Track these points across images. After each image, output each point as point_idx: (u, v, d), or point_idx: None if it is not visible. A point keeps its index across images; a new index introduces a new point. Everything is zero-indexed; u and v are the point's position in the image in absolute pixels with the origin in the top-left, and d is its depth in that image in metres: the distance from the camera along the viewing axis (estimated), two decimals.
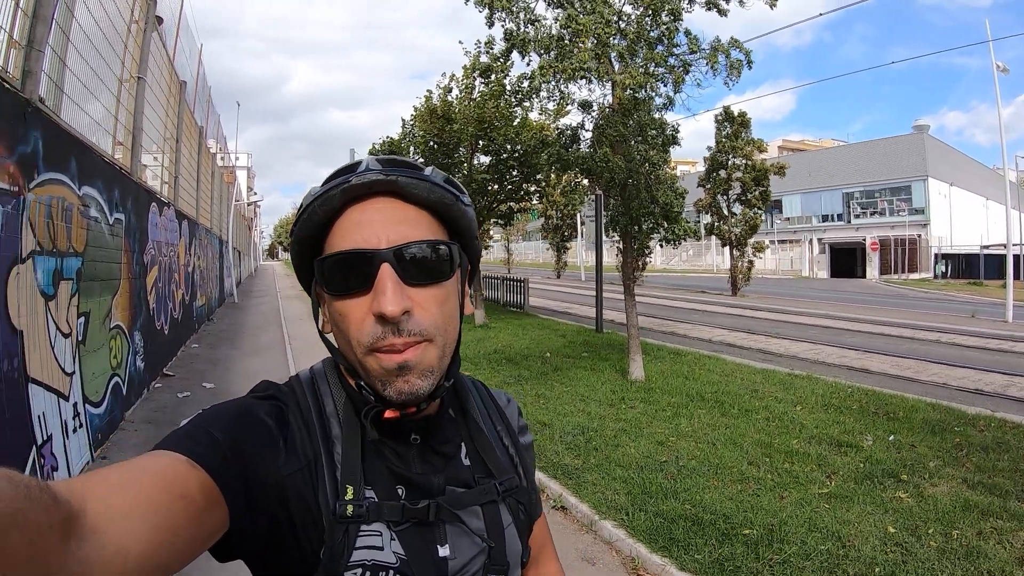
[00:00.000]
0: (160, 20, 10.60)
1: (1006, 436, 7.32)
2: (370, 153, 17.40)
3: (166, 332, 11.79)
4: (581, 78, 9.09)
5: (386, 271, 0.91)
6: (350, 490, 0.92)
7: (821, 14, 18.16)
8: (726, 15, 9.56)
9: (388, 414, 0.97)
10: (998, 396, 9.94)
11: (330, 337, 1.02)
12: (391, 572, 0.91)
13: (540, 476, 6.35)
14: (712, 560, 4.55)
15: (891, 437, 7.29)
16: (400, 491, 0.97)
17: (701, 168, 32.28)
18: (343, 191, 0.95)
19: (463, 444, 1.09)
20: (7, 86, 4.80)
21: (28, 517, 0.53)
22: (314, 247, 0.99)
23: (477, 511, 1.02)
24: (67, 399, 6.09)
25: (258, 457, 0.88)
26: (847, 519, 5.15)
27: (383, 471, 0.97)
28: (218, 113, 26.05)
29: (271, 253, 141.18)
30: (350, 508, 0.91)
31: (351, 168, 0.98)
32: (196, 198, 16.91)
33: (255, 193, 58.64)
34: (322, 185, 0.98)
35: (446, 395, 1.07)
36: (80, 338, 6.62)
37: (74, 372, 6.36)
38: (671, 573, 4.50)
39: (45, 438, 5.39)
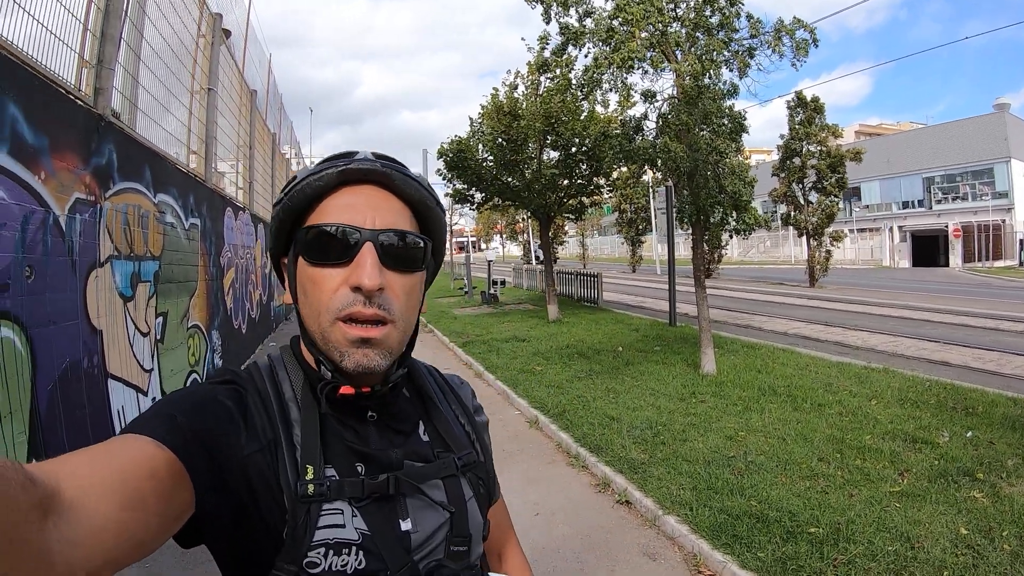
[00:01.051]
0: (228, 33, 10.90)
1: None
2: (439, 153, 17.61)
3: (244, 331, 12.15)
4: (631, 67, 9.03)
5: (368, 249, 0.98)
6: (310, 470, 0.95)
7: None
8: None
9: (343, 390, 1.02)
10: None
11: (299, 307, 1.07)
12: (354, 548, 0.95)
13: (606, 470, 6.37)
14: (775, 559, 4.47)
15: (968, 433, 6.99)
16: (359, 468, 1.00)
17: (775, 157, 31.57)
18: (340, 172, 1.02)
19: (421, 422, 1.14)
20: (80, 103, 5.03)
21: (7, 496, 0.55)
22: (296, 219, 1.06)
23: (439, 483, 1.06)
24: (146, 394, 6.36)
25: (220, 438, 0.91)
26: (918, 519, 4.97)
27: (342, 449, 1.01)
28: (291, 119, 26.70)
29: None
30: (311, 487, 0.94)
31: (348, 155, 1.04)
32: (272, 202, 17.32)
33: None
34: (317, 165, 1.05)
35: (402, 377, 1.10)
36: (158, 337, 6.91)
37: (152, 369, 6.63)
38: (732, 571, 4.44)
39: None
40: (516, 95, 16.75)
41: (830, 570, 4.30)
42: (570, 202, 18.93)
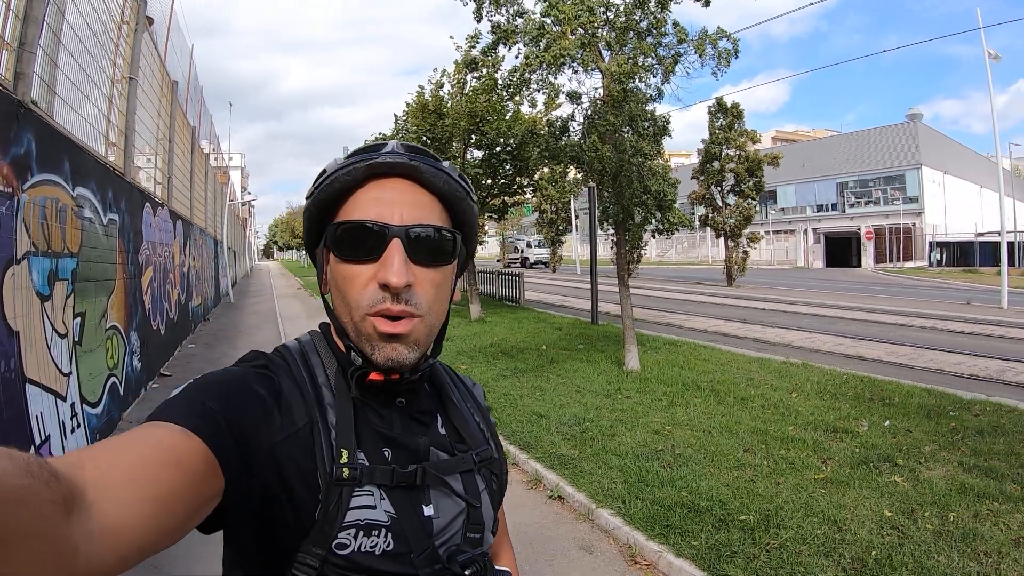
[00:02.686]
0: (151, 20, 10.58)
1: (1001, 420, 7.36)
2: None
3: (162, 332, 11.79)
4: (562, 64, 9.11)
5: (396, 245, 0.99)
6: (345, 454, 0.96)
7: (812, 3, 18.13)
8: (709, 4, 9.56)
9: (373, 376, 1.04)
10: (993, 381, 9.99)
11: (328, 298, 1.10)
12: (383, 530, 0.96)
13: (537, 467, 6.42)
14: (709, 546, 4.60)
15: (886, 423, 7.34)
16: (387, 453, 1.02)
17: (695, 160, 32.33)
18: (368, 166, 1.02)
19: (438, 415, 1.15)
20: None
21: (32, 492, 0.54)
22: (326, 213, 1.06)
23: (457, 477, 1.08)
24: (64, 399, 6.10)
25: (252, 425, 0.91)
26: (843, 503, 5.20)
27: (371, 434, 1.02)
28: (211, 113, 26.06)
29: (266, 253, 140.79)
30: (346, 471, 0.95)
31: (376, 147, 1.05)
32: (190, 198, 16.89)
33: (249, 193, 58.51)
34: (346, 158, 1.05)
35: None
36: (76, 339, 6.62)
37: (71, 373, 6.36)
38: (668, 560, 4.54)
39: (43, 438, 5.40)
40: (442, 94, 16.70)
41: (763, 554, 4.44)
42: (493, 202, 18.97)
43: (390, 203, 1.02)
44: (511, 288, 23.39)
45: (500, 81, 15.05)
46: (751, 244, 31.00)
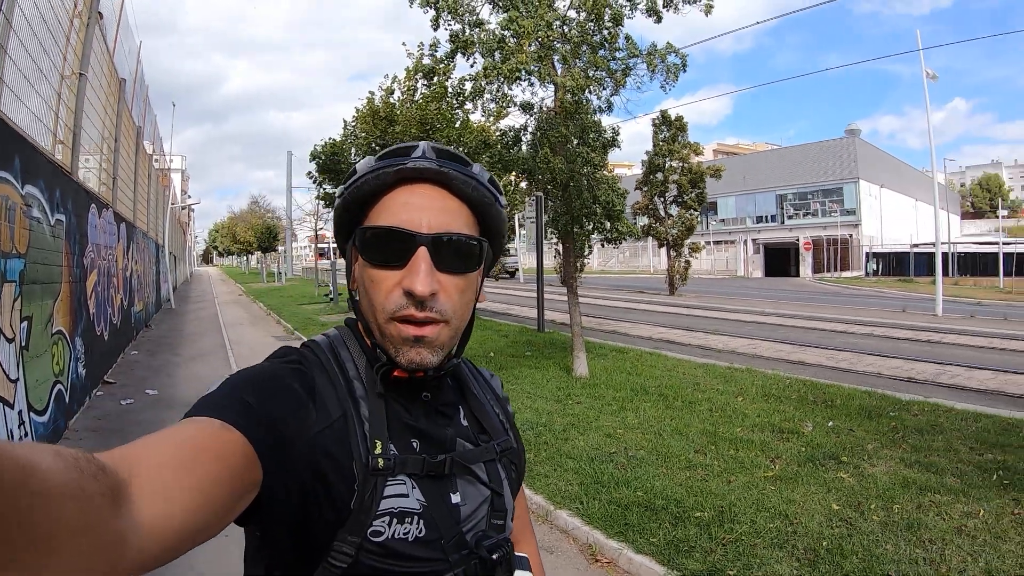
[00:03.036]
0: (100, 15, 10.36)
1: (939, 419, 7.71)
2: (311, 156, 17.33)
3: (106, 338, 11.50)
4: (519, 78, 9.22)
5: (422, 254, 1.01)
6: (379, 444, 1.00)
7: (758, 22, 18.64)
8: (661, 21, 9.78)
9: (396, 373, 1.07)
10: (930, 383, 10.41)
11: (355, 295, 1.13)
12: (416, 518, 1.00)
13: None
14: (667, 542, 4.73)
15: (830, 423, 7.61)
16: (415, 444, 1.06)
17: (638, 171, 32.80)
18: (397, 171, 1.04)
19: (460, 407, 1.19)
20: None
21: (80, 487, 0.55)
22: (356, 213, 1.09)
23: (481, 466, 1.13)
24: (12, 407, 5.94)
25: (288, 419, 0.94)
26: (793, 499, 5.39)
27: (399, 426, 1.06)
28: (155, 113, 25.52)
29: (206, 258, 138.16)
30: (381, 461, 0.99)
31: (407, 151, 1.06)
32: (134, 201, 16.55)
33: (190, 196, 57.37)
34: (377, 159, 1.07)
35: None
36: (24, 344, 6.44)
37: (18, 379, 6.18)
38: (628, 556, 4.65)
39: None
40: (392, 100, 16.68)
41: (719, 548, 4.60)
42: None
43: (418, 209, 1.04)
44: None
45: (451, 89, 15.12)
46: (693, 254, 31.50)
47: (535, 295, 16.92)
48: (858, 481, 5.79)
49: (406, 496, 1.00)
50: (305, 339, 1.15)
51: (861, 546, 4.54)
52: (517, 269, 50.86)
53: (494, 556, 1.06)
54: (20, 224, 6.30)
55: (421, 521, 1.00)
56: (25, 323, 6.51)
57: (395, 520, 0.98)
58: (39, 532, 0.50)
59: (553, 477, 6.10)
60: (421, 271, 1.00)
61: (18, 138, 6.25)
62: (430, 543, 1.01)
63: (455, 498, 1.07)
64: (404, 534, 0.99)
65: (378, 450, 0.99)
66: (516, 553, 1.20)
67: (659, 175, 29.95)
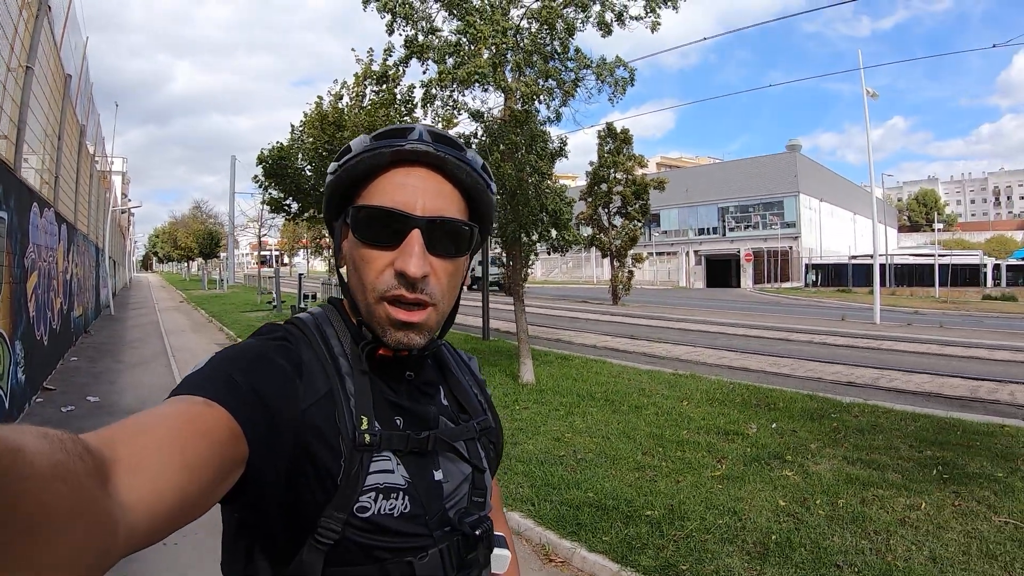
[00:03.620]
0: (49, 7, 10.11)
1: (879, 419, 8.04)
2: (258, 160, 17.10)
3: (46, 343, 11.15)
4: (476, 82, 9.29)
5: (416, 236, 1.03)
6: (365, 421, 1.01)
7: (705, 39, 19.03)
8: (610, 34, 9.99)
9: (382, 352, 1.10)
10: (869, 387, 10.82)
11: (343, 272, 1.15)
12: (401, 493, 1.02)
13: None
14: (619, 540, 4.81)
15: (773, 425, 7.84)
16: (398, 421, 1.07)
17: (582, 182, 33.13)
18: (394, 152, 1.05)
19: (440, 387, 1.22)
20: None
21: (68, 468, 0.54)
22: (348, 190, 1.10)
23: (462, 443, 1.15)
24: None
25: (275, 395, 0.93)
26: (740, 496, 5.55)
27: (383, 403, 1.08)
28: (98, 112, 24.95)
29: (145, 264, 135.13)
30: (367, 437, 1.00)
31: (403, 132, 1.08)
32: (75, 201, 16.14)
33: (130, 200, 56.05)
34: (373, 139, 1.08)
35: None
36: None
37: None
38: (582, 555, 4.71)
39: None
40: (340, 105, 16.60)
41: (671, 544, 4.70)
42: None
43: (413, 192, 1.05)
44: None
45: (399, 96, 15.11)
46: (636, 264, 31.96)
47: (480, 304, 17.01)
48: (803, 479, 5.98)
49: (392, 472, 1.02)
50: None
51: (809, 539, 4.70)
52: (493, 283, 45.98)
53: (477, 532, 1.09)
54: None
55: (406, 497, 1.02)
56: None
57: (381, 496, 1.00)
58: (31, 517, 0.49)
59: (504, 480, 6.13)
60: (415, 253, 1.01)
61: None
62: (415, 518, 1.03)
63: (438, 475, 1.09)
64: (390, 510, 1.00)
65: (364, 426, 1.01)
66: (495, 533, 1.24)
67: (603, 186, 30.31)
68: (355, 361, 1.08)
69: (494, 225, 1.22)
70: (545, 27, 9.47)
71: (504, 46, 9.23)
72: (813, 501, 5.43)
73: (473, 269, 41.88)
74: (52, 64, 11.38)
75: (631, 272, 31.76)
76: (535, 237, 10.65)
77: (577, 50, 9.90)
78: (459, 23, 9.25)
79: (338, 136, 15.98)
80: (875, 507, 5.29)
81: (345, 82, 16.58)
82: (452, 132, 10.60)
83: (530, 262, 11.04)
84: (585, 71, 9.92)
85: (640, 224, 31.56)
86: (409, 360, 1.13)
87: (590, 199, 31.04)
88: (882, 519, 5.04)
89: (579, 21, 9.75)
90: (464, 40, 9.28)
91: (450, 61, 9.29)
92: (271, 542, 1.00)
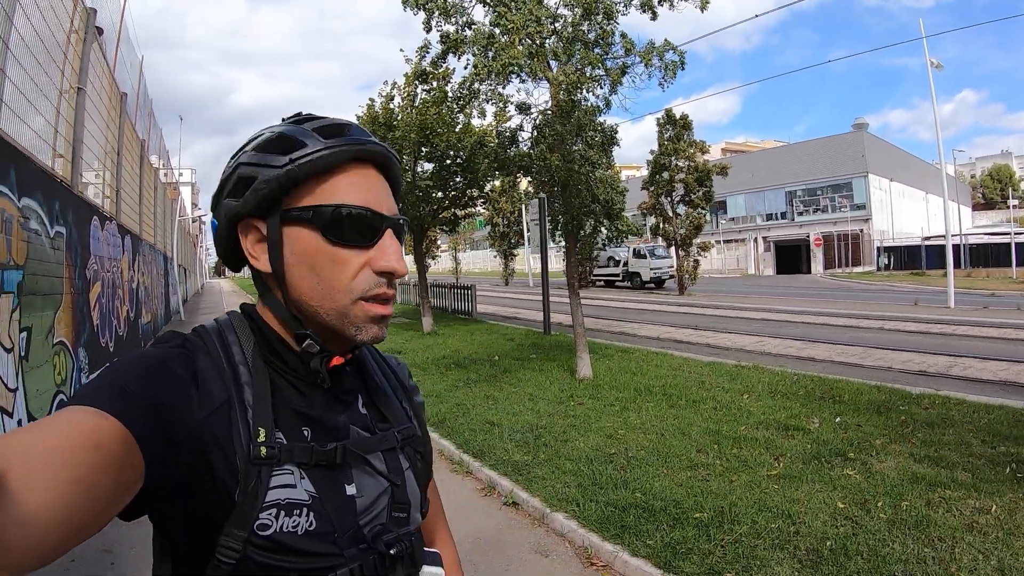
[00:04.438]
0: (100, 31, 10.39)
1: (950, 412, 7.60)
2: None
3: (111, 349, 11.51)
4: (511, 73, 9.19)
5: (390, 234, 1.03)
6: (262, 432, 0.96)
7: (756, 15, 18.61)
8: (656, 18, 9.77)
9: (335, 361, 1.06)
10: (941, 376, 10.30)
11: (291, 276, 1.03)
12: (304, 509, 0.96)
13: (491, 474, 6.43)
14: (664, 544, 4.64)
15: (837, 419, 7.52)
16: (306, 432, 1.01)
17: (646, 173, 32.76)
18: (357, 151, 1.02)
19: (360, 395, 1.15)
20: None
21: None
22: (288, 188, 1.01)
23: (379, 455, 1.09)
24: (11, 416, 5.95)
25: (171, 405, 0.89)
26: (796, 498, 5.29)
27: (289, 413, 1.01)
28: (160, 127, 25.63)
29: (218, 271, 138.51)
30: (263, 450, 0.94)
31: (342, 126, 1.04)
32: (139, 213, 16.58)
33: (200, 209, 57.53)
34: (322, 135, 1.01)
35: None
36: (23, 354, 6.47)
37: (17, 388, 6.19)
38: (624, 559, 4.57)
39: None
40: (392, 106, 16.70)
41: (718, 550, 4.51)
42: (444, 214, 18.89)
43: (375, 191, 1.04)
44: (464, 301, 23.54)
45: (450, 93, 15.12)
46: (702, 253, 31.46)
47: (543, 298, 16.93)
48: (865, 478, 5.69)
49: (293, 487, 0.96)
50: None
51: (866, 546, 4.43)
52: (658, 278, 38.56)
53: (392, 551, 1.03)
54: (17, 236, 6.32)
55: (311, 513, 0.96)
56: (24, 333, 6.52)
57: (283, 512, 0.94)
58: None
59: (551, 480, 6.05)
60: (396, 251, 1.03)
61: (13, 151, 6.26)
62: (322, 536, 0.97)
63: (350, 489, 1.03)
64: (293, 527, 0.95)
65: (261, 438, 0.95)
66: (426, 549, 1.18)
67: (665, 174, 29.98)
68: (256, 369, 1.02)
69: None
70: (583, 13, 9.29)
71: (540, 35, 9.10)
72: (874, 503, 5.14)
73: (623, 263, 36.94)
74: (106, 84, 11.65)
75: (697, 261, 31.31)
76: (588, 229, 10.52)
77: (623, 35, 9.69)
78: (493, 15, 9.16)
79: (389, 136, 16.08)
80: (941, 510, 4.96)
81: (396, 83, 16.68)
82: (504, 125, 10.65)
83: (594, 254, 10.96)
84: (631, 57, 9.71)
85: (704, 211, 31.15)
86: (344, 367, 1.10)
87: (652, 188, 30.73)
88: (948, 524, 4.72)
89: (621, 5, 9.53)
90: (497, 31, 9.19)
91: (488, 54, 9.19)
92: (179, 558, 0.97)
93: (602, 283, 43.17)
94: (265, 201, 1.02)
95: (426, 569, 1.13)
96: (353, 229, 1.00)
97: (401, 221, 1.06)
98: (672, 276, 35.04)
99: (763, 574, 4.18)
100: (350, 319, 1.02)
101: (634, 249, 39.77)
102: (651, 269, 38.32)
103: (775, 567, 4.24)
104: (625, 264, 40.56)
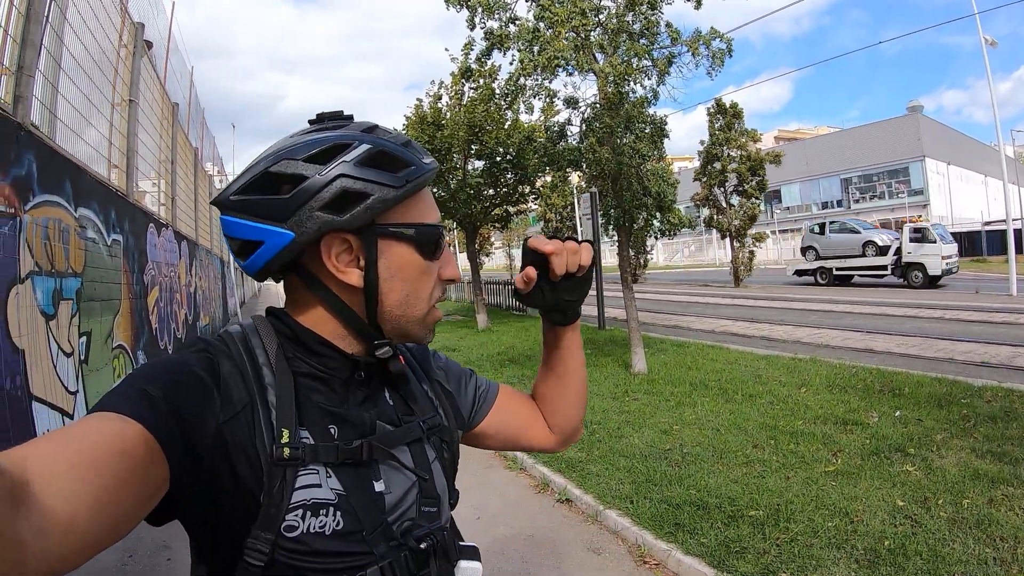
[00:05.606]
0: (149, 44, 10.62)
1: (1014, 405, 7.34)
2: None
3: (170, 352, 11.76)
4: (558, 67, 9.13)
5: (446, 246, 1.13)
6: (286, 433, 0.95)
7: None
8: (700, 6, 9.63)
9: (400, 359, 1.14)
10: (1004, 367, 9.94)
11: (383, 287, 1.05)
12: (331, 509, 0.96)
13: (544, 471, 6.42)
14: (718, 543, 4.57)
15: (897, 413, 7.32)
16: (333, 430, 1.01)
17: (697, 163, 32.42)
18: (433, 171, 1.09)
19: (385, 387, 1.15)
20: None
21: None
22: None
23: (405, 448, 1.09)
24: (72, 417, 6.11)
25: (195, 409, 0.90)
26: (854, 495, 5.17)
27: (316, 412, 1.01)
28: (213, 135, 26.13)
29: None
30: (287, 451, 0.94)
31: (409, 141, 1.08)
32: (195, 219, 16.92)
33: None
34: (419, 156, 1.07)
35: None
36: (82, 357, 6.65)
37: (77, 391, 6.38)
38: (677, 558, 4.51)
39: None
40: (440, 105, 16.78)
41: (773, 549, 4.42)
42: (495, 211, 18.95)
43: (435, 207, 1.13)
44: None
45: (497, 90, 15.15)
46: (757, 244, 30.94)
47: (595, 292, 16.84)
48: (925, 474, 5.52)
49: (319, 486, 0.96)
50: None
51: (926, 546, 4.30)
52: (946, 271, 25.89)
53: (422, 546, 1.03)
54: (75, 245, 6.50)
55: (338, 512, 0.96)
56: (83, 338, 6.71)
57: (309, 513, 0.94)
58: None
59: (604, 476, 6.01)
60: (453, 260, 1.12)
61: (68, 163, 6.44)
62: (350, 535, 0.97)
63: (379, 486, 1.03)
64: (320, 527, 0.94)
65: (285, 439, 0.95)
66: (463, 543, 1.18)
67: (717, 164, 29.62)
68: (280, 370, 1.01)
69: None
70: (627, 4, 9.19)
71: (585, 27, 9.04)
72: (935, 501, 4.98)
73: (895, 249, 27.50)
74: (157, 95, 11.93)
75: (752, 252, 30.76)
76: (640, 222, 10.43)
77: (668, 24, 9.58)
78: (536, 8, 9.12)
79: (438, 135, 16.17)
80: (1003, 508, 4.79)
81: (443, 82, 16.76)
82: (552, 120, 10.62)
83: (647, 247, 10.87)
84: (678, 46, 9.59)
85: (759, 201, 30.66)
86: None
87: (704, 179, 30.40)
88: (1010, 523, 4.55)
89: None
90: (542, 26, 9.14)
91: (534, 49, 9.15)
92: (209, 562, 0.98)
93: (849, 280, 29.75)
94: (367, 215, 1.01)
95: (463, 564, 1.12)
96: (438, 244, 1.09)
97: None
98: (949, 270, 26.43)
99: (819, 574, 4.08)
100: (426, 324, 1.11)
101: (913, 230, 26.95)
102: (943, 259, 25.78)
103: (831, 567, 4.14)
104: (896, 252, 27.16)
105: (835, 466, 5.84)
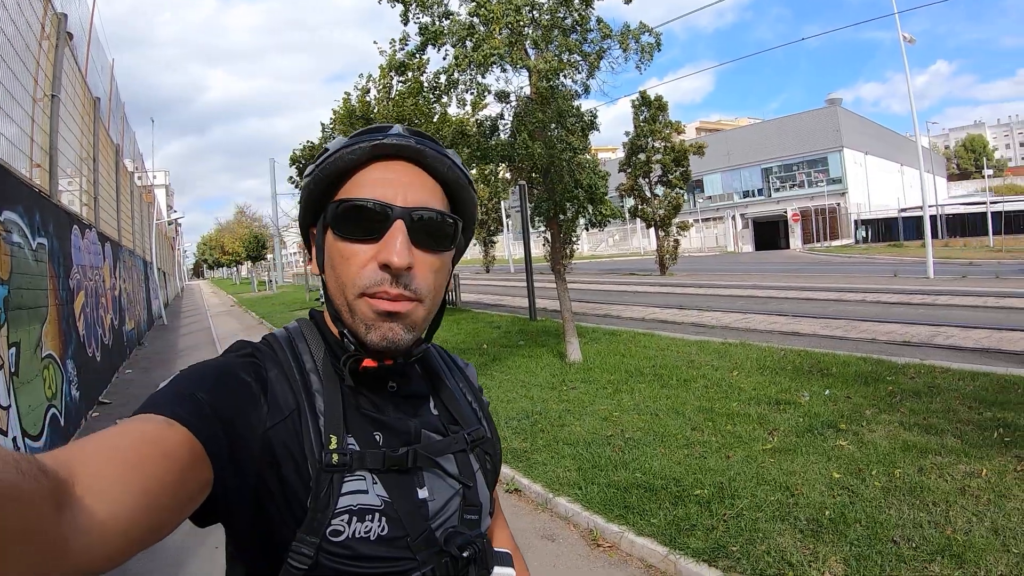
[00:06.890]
0: (70, 36, 10.26)
1: (936, 380, 7.73)
2: (291, 160, 17.22)
3: (98, 359, 11.41)
4: (493, 64, 9.16)
5: (399, 226, 0.98)
6: (334, 440, 0.96)
7: None
8: (631, 1, 9.79)
9: (366, 363, 1.03)
10: (925, 346, 10.42)
11: (323, 279, 1.08)
12: (377, 515, 0.96)
13: None
14: (668, 522, 4.71)
15: (827, 391, 7.61)
16: (378, 437, 1.02)
17: (622, 154, 32.85)
18: (374, 146, 1.01)
19: (431, 397, 1.16)
20: None
21: (22, 489, 0.53)
22: (327, 191, 1.05)
23: (450, 458, 1.08)
24: (5, 434, 5.90)
25: (241, 414, 0.91)
26: (793, 470, 5.38)
27: (361, 419, 1.02)
28: (133, 130, 25.36)
29: (196, 272, 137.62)
30: (335, 457, 0.95)
31: (381, 129, 1.04)
32: (117, 219, 16.44)
33: (175, 211, 57.01)
34: (350, 138, 1.03)
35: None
36: (13, 370, 6.39)
37: (10, 406, 6.13)
38: (630, 539, 4.63)
39: None
40: (368, 99, 16.62)
41: (721, 525, 4.59)
42: None
43: (394, 184, 1.01)
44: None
45: (426, 84, 15.08)
46: (681, 233, 31.54)
47: (528, 283, 16.94)
48: (858, 448, 5.78)
49: (365, 492, 0.97)
50: None
51: (864, 513, 4.53)
52: None
53: (464, 553, 1.03)
54: (1, 251, 6.26)
55: (383, 518, 0.97)
56: (13, 349, 6.45)
57: (355, 518, 0.95)
58: None
59: (551, 464, 6.10)
60: (398, 243, 0.97)
61: None
62: (395, 541, 0.97)
63: (422, 493, 1.03)
64: (365, 532, 0.95)
65: (333, 445, 0.96)
66: (496, 549, 1.18)
67: (641, 156, 30.08)
68: (328, 376, 1.03)
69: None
70: (561, 1, 9.28)
71: (520, 24, 9.10)
72: (868, 472, 5.23)
73: None
74: (79, 90, 11.54)
75: (677, 241, 31.36)
76: (570, 214, 10.54)
77: (599, 20, 9.69)
78: (471, 4, 9.14)
79: None
80: (933, 476, 5.07)
81: (371, 75, 16.61)
82: (481, 115, 10.63)
83: (573, 238, 10.92)
84: (608, 41, 9.73)
85: (682, 191, 31.25)
86: (392, 369, 1.07)
87: (629, 170, 30.83)
88: (941, 489, 4.82)
89: None
90: (476, 22, 9.17)
91: (468, 45, 9.17)
92: (253, 562, 0.97)
93: None
94: (308, 206, 1.07)
95: (498, 571, 1.13)
96: (357, 222, 1.00)
97: (423, 211, 1.01)
98: None
99: (767, 546, 4.24)
100: (358, 315, 1.00)
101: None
102: None
103: (777, 538, 4.32)
104: None
105: (772, 444, 6.06)
